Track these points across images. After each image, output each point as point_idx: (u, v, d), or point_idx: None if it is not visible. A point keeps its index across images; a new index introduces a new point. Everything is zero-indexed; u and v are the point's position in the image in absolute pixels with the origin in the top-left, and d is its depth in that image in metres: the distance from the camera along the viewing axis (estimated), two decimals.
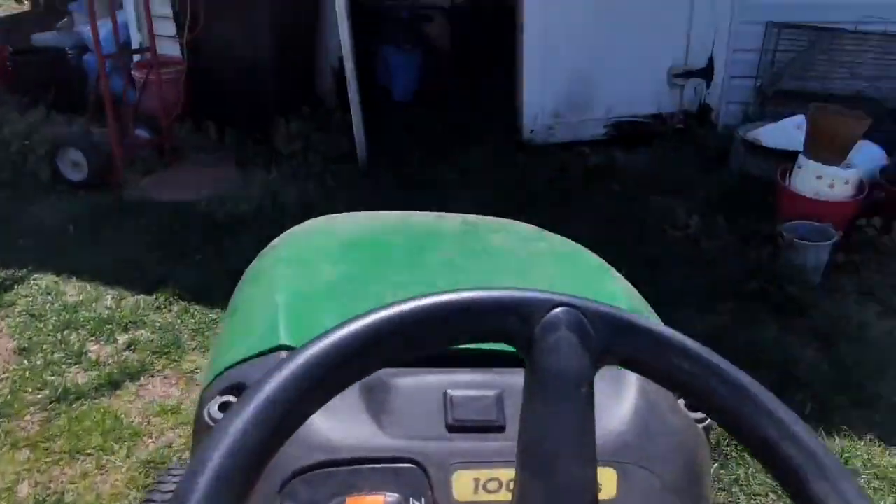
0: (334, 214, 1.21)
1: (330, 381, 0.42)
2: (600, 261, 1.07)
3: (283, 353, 0.73)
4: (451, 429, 0.67)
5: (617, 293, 0.94)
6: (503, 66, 5.35)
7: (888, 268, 3.05)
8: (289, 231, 1.11)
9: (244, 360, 0.75)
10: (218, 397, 0.70)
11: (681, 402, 0.74)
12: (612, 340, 0.47)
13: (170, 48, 4.44)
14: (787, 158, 3.44)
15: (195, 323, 2.60)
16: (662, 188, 3.75)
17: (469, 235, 1.12)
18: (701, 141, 4.20)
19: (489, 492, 0.63)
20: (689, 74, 4.25)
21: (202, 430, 0.70)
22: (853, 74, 4.06)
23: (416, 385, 0.70)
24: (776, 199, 3.39)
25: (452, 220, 1.16)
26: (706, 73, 4.25)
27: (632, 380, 0.72)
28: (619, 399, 0.71)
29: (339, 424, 0.66)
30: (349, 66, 3.55)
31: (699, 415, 0.73)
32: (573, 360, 0.45)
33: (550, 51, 4.06)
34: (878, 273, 3.05)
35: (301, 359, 0.41)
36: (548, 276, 1.00)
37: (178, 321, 2.61)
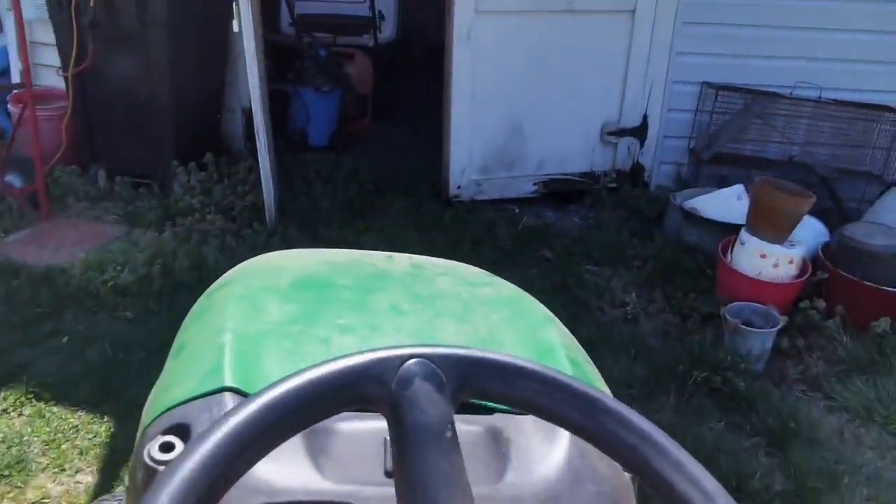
0: (286, 251, 1.21)
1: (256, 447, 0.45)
2: (544, 310, 1.08)
3: (228, 395, 0.74)
4: (389, 475, 0.67)
5: (556, 345, 0.96)
6: (430, 110, 5.08)
7: (833, 354, 2.87)
8: (239, 266, 1.11)
9: (187, 401, 0.74)
10: (160, 437, 0.68)
11: None
12: (464, 379, 0.49)
13: (55, 80, 3.94)
14: (728, 230, 3.26)
15: (50, 431, 2.13)
16: (596, 256, 3.51)
17: (415, 279, 1.13)
18: (634, 202, 4.00)
19: None
20: (622, 133, 4.06)
21: (141, 470, 0.68)
22: (787, 139, 3.95)
23: (358, 431, 0.72)
24: (717, 274, 3.20)
25: (400, 262, 1.18)
26: (640, 131, 4.07)
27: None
28: (552, 447, 0.73)
29: (280, 467, 0.66)
30: (259, 116, 3.16)
31: None
32: (432, 408, 0.47)
33: (480, 102, 3.78)
34: (822, 360, 2.86)
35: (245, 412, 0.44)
36: (489, 323, 1.00)
37: (29, 429, 2.14)
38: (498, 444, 0.74)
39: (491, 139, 3.90)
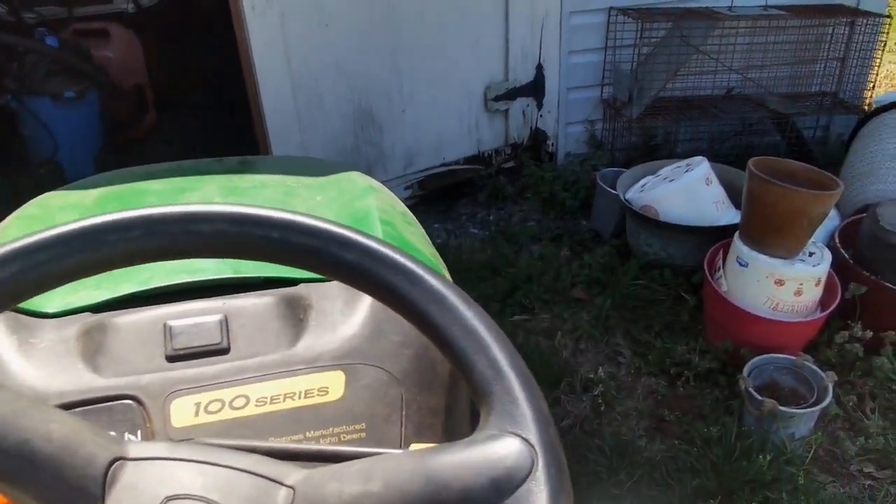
0: (110, 172, 1.12)
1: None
2: (369, 181, 1.07)
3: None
4: (171, 359, 0.64)
5: (371, 210, 0.93)
6: (236, 81, 3.70)
7: None
8: (44, 195, 1.01)
9: None
10: None
11: None
12: None
13: None
14: (704, 236, 2.26)
15: None
16: (520, 293, 2.41)
17: (241, 172, 1.07)
18: (544, 188, 2.92)
19: (211, 413, 0.61)
20: (512, 94, 2.91)
21: None
22: (721, 66, 2.96)
23: (135, 321, 0.67)
24: (704, 308, 2.20)
25: (229, 162, 1.13)
26: (535, 88, 2.94)
27: None
28: (354, 307, 0.71)
29: (47, 372, 0.62)
30: None
31: None
32: None
33: (307, 93, 2.50)
34: (884, 419, 1.97)
35: None
36: (311, 205, 0.95)
37: None
38: (295, 312, 0.70)
39: (334, 140, 2.64)
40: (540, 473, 0.37)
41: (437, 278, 0.45)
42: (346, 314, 0.70)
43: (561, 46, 2.86)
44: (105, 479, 0.38)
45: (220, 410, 0.61)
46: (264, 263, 0.80)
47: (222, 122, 3.65)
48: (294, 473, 0.41)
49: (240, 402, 0.61)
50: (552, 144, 3.09)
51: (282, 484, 0.40)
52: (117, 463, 0.39)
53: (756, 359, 1.94)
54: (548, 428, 0.39)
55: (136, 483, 0.38)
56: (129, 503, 0.38)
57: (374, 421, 0.64)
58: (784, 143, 2.99)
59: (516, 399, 0.40)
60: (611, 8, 2.82)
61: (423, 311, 0.44)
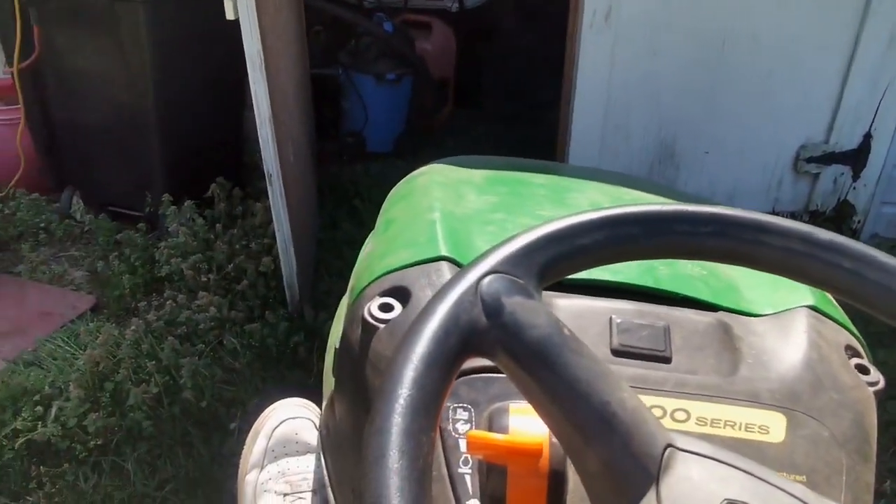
0: (469, 156, 1.13)
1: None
2: None
3: (444, 264, 0.72)
4: (616, 353, 0.64)
5: None
6: (531, 93, 3.80)
7: None
8: (427, 165, 1.06)
9: (406, 266, 0.74)
10: (378, 298, 0.67)
11: (852, 361, 0.68)
12: (537, 268, 0.44)
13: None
14: None
15: None
16: None
17: (609, 184, 1.07)
18: None
19: None
20: (829, 158, 2.68)
21: (359, 328, 0.67)
22: None
23: (581, 308, 0.68)
24: None
25: (589, 169, 1.17)
26: (857, 157, 2.68)
27: (801, 331, 0.68)
28: (788, 346, 0.66)
29: None
30: (270, 152, 1.98)
31: (871, 377, 0.66)
32: (537, 317, 0.41)
33: (616, 115, 2.49)
34: None
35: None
36: None
37: None
38: (730, 338, 0.66)
39: (628, 169, 2.60)
40: None
41: None
42: (780, 356, 0.66)
43: None
44: (661, 462, 0.38)
45: (661, 418, 0.59)
46: (684, 281, 0.78)
47: (510, 128, 3.77)
48: None
49: (680, 415, 0.59)
50: (859, 222, 2.80)
51: None
52: (669, 449, 0.39)
53: None
54: None
55: (691, 475, 0.38)
56: (685, 493, 0.37)
57: (814, 477, 0.59)
58: None
59: None
60: None
61: None
